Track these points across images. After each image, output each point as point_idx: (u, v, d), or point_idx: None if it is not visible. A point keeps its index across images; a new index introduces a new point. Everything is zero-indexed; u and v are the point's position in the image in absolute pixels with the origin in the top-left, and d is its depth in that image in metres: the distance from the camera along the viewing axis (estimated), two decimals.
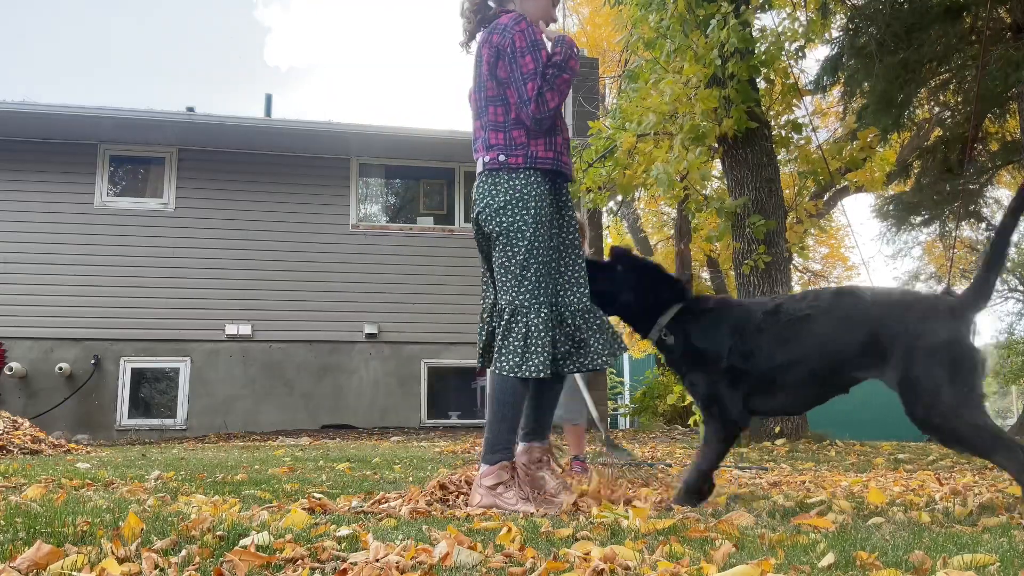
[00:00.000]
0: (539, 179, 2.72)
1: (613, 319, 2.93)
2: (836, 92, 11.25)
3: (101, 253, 9.94)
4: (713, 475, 2.79)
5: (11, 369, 9.37)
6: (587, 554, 1.76)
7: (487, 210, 2.73)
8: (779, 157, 7.93)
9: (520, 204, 2.68)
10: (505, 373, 2.65)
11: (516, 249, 2.68)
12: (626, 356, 20.30)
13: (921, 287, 18.81)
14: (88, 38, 71.21)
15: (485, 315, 2.84)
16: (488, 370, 2.78)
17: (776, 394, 2.71)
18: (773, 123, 7.80)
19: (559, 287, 2.76)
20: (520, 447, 2.90)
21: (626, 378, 20.00)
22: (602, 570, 1.63)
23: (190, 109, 10.37)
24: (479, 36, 2.89)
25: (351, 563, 1.71)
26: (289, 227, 10.40)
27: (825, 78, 9.37)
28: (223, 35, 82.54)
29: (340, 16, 62.11)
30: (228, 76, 77.15)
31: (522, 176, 2.71)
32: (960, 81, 9.03)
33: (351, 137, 10.52)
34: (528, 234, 2.67)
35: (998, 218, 14.87)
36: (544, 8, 2.91)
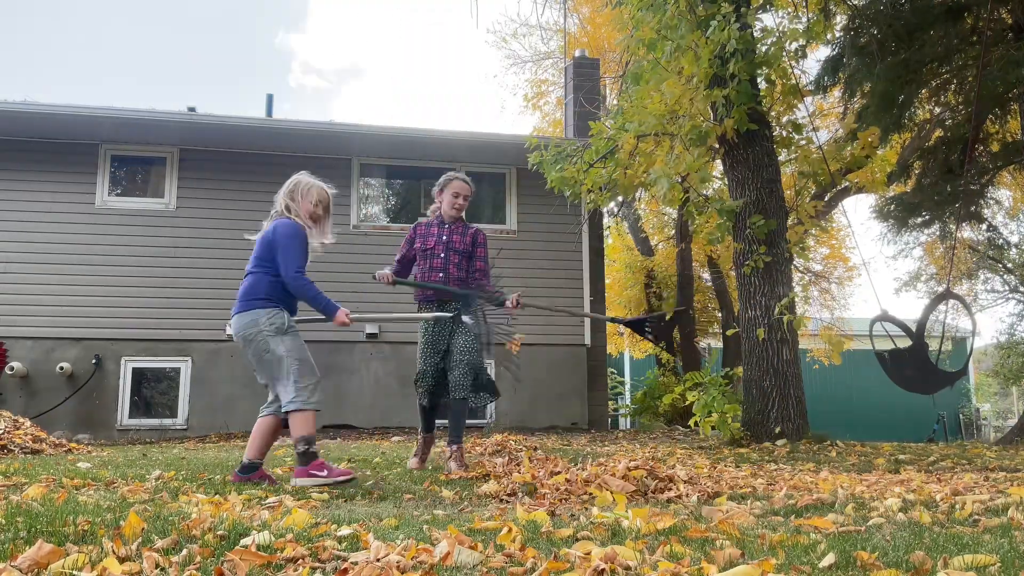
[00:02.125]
0: (419, 304, 4.85)
1: None
2: (837, 93, 11.26)
3: (102, 253, 9.94)
4: None
5: (12, 368, 9.37)
6: (588, 554, 1.77)
7: None
8: (780, 158, 7.92)
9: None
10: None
11: None
12: (627, 356, 20.29)
13: (922, 288, 18.77)
14: (105, 50, 71.32)
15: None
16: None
17: None
18: (774, 123, 7.79)
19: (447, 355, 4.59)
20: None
21: (627, 378, 20.00)
22: (603, 570, 1.64)
23: (191, 109, 10.38)
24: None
25: (352, 563, 1.71)
26: None
27: (826, 78, 9.37)
28: (250, 64, 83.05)
29: (353, 33, 62.18)
30: (255, 99, 77.58)
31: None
32: (961, 81, 9.03)
33: (352, 137, 10.52)
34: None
35: (999, 219, 14.87)
36: (449, 205, 4.92)
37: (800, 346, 7.60)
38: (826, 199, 12.24)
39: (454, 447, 4.51)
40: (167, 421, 9.85)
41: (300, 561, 1.75)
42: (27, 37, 64.52)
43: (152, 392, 10.16)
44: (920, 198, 9.76)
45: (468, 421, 10.25)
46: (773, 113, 7.84)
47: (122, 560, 1.72)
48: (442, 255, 4.70)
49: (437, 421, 4.82)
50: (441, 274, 4.66)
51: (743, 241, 7.29)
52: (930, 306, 8.24)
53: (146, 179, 10.60)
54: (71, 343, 9.72)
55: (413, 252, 4.82)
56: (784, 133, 7.82)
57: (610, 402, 14.95)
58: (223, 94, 79.16)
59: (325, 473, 3.51)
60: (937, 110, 10.07)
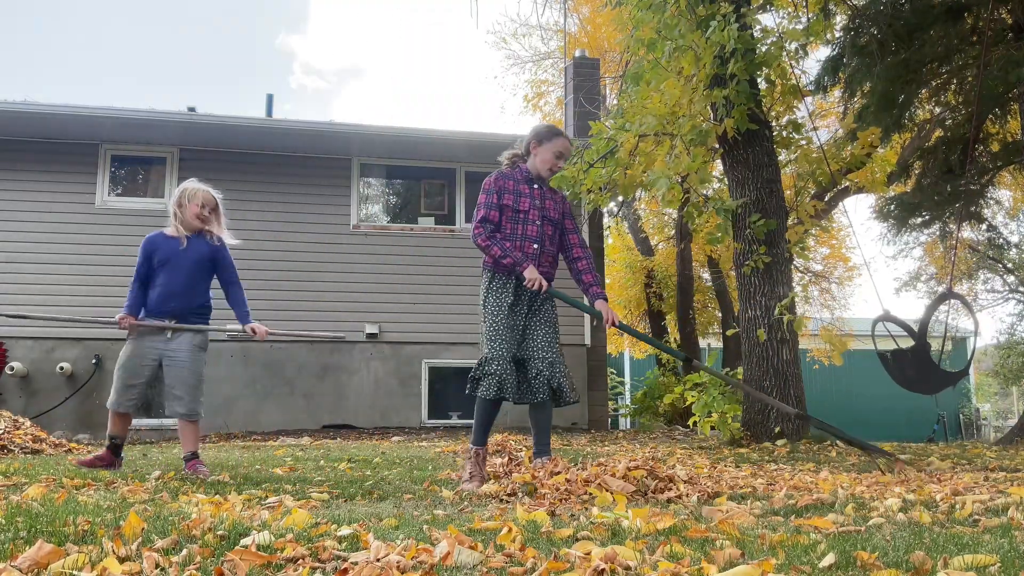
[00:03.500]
0: (493, 275, 3.76)
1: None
2: (837, 93, 11.24)
3: (102, 253, 9.94)
4: None
5: (12, 368, 9.38)
6: (588, 554, 1.77)
7: None
8: (780, 158, 7.92)
9: (483, 291, 3.80)
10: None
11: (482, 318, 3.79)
12: (627, 356, 20.30)
13: (922, 288, 18.78)
14: (105, 50, 71.37)
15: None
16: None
17: None
18: (774, 123, 7.79)
19: (523, 343, 3.72)
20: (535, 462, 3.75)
21: (627, 378, 20.00)
22: (603, 570, 1.64)
23: (191, 109, 10.38)
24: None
25: (352, 563, 1.71)
26: (290, 227, 10.40)
27: (826, 78, 9.37)
28: (251, 65, 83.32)
29: (353, 34, 62.20)
30: (255, 103, 77.95)
31: (486, 273, 3.80)
32: (961, 81, 9.02)
33: (352, 137, 10.52)
34: (483, 310, 3.76)
35: (999, 219, 14.87)
36: (544, 163, 3.85)
37: (800, 346, 7.60)
38: (826, 199, 12.24)
39: (546, 459, 3.66)
40: (167, 421, 9.84)
41: (300, 561, 1.75)
42: (27, 37, 64.51)
43: (152, 392, 10.14)
44: (920, 198, 9.75)
45: (467, 421, 10.31)
46: (773, 113, 7.83)
47: (122, 560, 1.72)
48: (538, 223, 3.78)
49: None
50: (536, 245, 3.75)
51: (743, 241, 7.29)
52: (932, 306, 8.23)
53: (146, 179, 10.61)
54: (71, 343, 9.72)
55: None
56: (784, 133, 7.83)
57: (610, 402, 14.95)
58: (223, 94, 79.20)
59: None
60: (937, 110, 10.06)
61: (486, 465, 3.78)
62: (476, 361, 3.76)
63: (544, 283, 3.64)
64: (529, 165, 3.88)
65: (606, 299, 3.84)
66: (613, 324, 3.77)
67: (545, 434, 3.73)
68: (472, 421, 3.78)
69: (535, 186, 3.85)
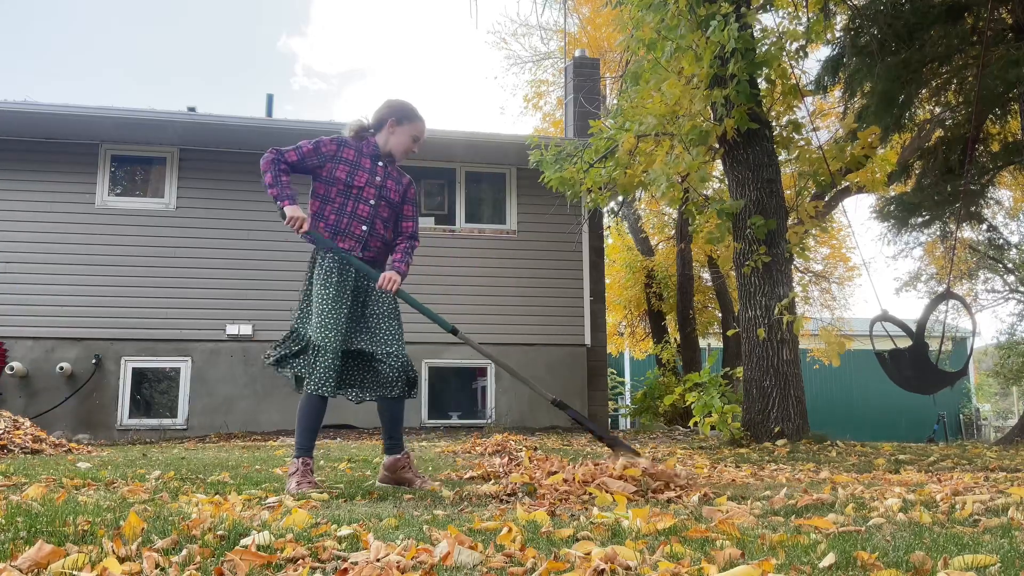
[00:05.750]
0: (323, 256, 3.49)
1: None
2: (837, 93, 11.25)
3: (102, 253, 9.95)
4: None
5: (12, 368, 9.38)
6: (588, 554, 1.77)
7: None
8: (780, 158, 7.92)
9: (310, 272, 3.57)
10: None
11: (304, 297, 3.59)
12: (627, 356, 20.29)
13: (922, 288, 18.78)
14: (105, 50, 71.40)
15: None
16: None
17: None
18: (774, 123, 7.79)
19: (364, 335, 3.50)
20: (385, 459, 3.67)
21: (627, 378, 20.00)
22: (603, 570, 1.64)
23: (191, 109, 10.38)
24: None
25: (352, 563, 1.71)
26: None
27: (826, 78, 9.37)
28: (252, 67, 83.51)
29: (354, 36, 62.22)
30: (255, 103, 78.42)
31: (314, 254, 3.54)
32: (961, 81, 9.02)
33: None
34: (312, 294, 3.51)
35: (999, 219, 14.87)
36: (400, 144, 3.63)
37: (800, 346, 7.60)
38: (826, 199, 12.23)
39: (405, 454, 3.64)
40: (167, 421, 9.85)
41: (300, 561, 1.75)
42: (27, 37, 64.52)
43: (152, 392, 10.16)
44: (920, 198, 9.76)
45: (467, 421, 10.32)
46: (773, 113, 7.83)
47: (122, 560, 1.72)
48: (372, 202, 3.55)
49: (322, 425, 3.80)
50: (364, 227, 3.52)
51: (743, 241, 7.29)
52: (930, 306, 8.24)
53: (146, 179, 10.61)
54: (71, 343, 9.72)
55: (319, 169, 3.53)
56: (784, 133, 7.82)
57: (610, 402, 14.95)
58: (223, 94, 79.27)
59: None
60: (937, 110, 10.06)
61: (313, 475, 3.51)
62: (277, 348, 3.56)
63: (305, 223, 3.37)
64: (380, 141, 3.63)
65: (399, 272, 3.52)
66: (386, 288, 3.45)
67: (398, 427, 3.63)
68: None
69: (379, 163, 3.61)
